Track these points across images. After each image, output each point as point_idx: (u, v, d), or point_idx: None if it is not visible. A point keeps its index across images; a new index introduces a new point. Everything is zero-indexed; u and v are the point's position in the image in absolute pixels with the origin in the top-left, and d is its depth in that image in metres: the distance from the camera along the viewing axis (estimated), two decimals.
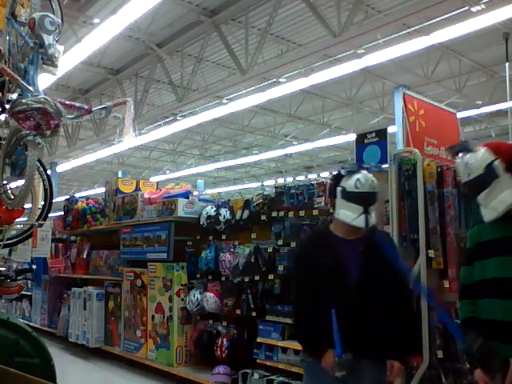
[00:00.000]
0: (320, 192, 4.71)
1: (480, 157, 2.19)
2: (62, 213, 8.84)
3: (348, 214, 2.71)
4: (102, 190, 9.34)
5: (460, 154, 2.32)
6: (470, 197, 3.94)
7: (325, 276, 2.65)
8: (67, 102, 2.69)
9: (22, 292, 4.92)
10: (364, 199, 2.69)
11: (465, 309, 2.43)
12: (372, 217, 2.69)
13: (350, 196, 2.71)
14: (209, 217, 5.89)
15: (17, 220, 3.09)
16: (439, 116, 4.54)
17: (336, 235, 2.77)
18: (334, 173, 2.89)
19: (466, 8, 7.35)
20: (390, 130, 4.21)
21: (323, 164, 20.87)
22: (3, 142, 2.88)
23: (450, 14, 7.80)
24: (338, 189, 2.78)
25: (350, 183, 2.72)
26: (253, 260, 5.19)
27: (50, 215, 3.31)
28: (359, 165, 2.87)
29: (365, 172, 2.75)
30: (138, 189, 7.55)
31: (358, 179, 2.70)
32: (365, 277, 2.63)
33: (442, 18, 7.95)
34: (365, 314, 2.56)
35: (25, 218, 3.24)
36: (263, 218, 5.26)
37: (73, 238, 8.85)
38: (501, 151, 2.19)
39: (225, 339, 5.41)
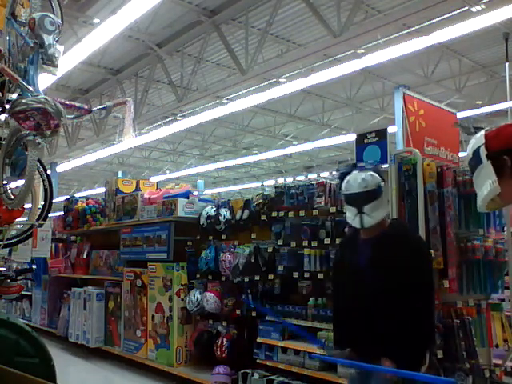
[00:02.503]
0: (320, 192, 4.70)
1: (475, 139, 2.02)
2: (62, 213, 8.84)
3: (348, 215, 2.77)
4: (102, 190, 9.34)
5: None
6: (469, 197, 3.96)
7: (346, 277, 2.73)
8: (67, 102, 2.69)
9: (22, 292, 4.92)
10: (355, 200, 2.69)
11: None
12: (370, 216, 2.66)
13: (344, 198, 2.78)
14: (209, 217, 5.90)
15: (17, 220, 3.09)
16: (439, 116, 4.54)
17: (359, 236, 2.81)
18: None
19: (466, 8, 7.34)
20: (390, 130, 4.21)
21: (323, 164, 20.86)
22: (3, 142, 2.87)
23: (450, 14, 7.79)
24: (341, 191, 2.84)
25: (342, 185, 2.78)
26: (253, 260, 5.19)
27: (50, 215, 3.31)
28: (352, 165, 2.87)
29: (355, 172, 2.75)
30: (138, 189, 7.56)
31: (347, 181, 2.74)
32: (375, 276, 2.62)
33: (442, 18, 7.94)
34: (375, 312, 2.56)
35: (25, 218, 3.24)
36: (263, 218, 5.26)
37: (73, 238, 8.85)
38: (492, 135, 1.99)
39: (225, 339, 5.41)
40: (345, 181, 2.76)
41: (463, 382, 2.24)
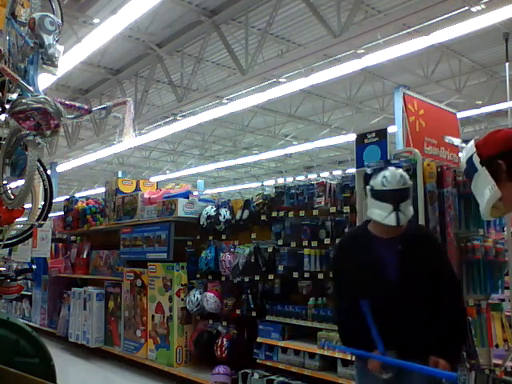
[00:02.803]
0: (320, 192, 4.70)
1: (466, 149, 2.01)
2: (62, 213, 8.84)
3: (378, 212, 2.64)
4: (102, 190, 9.34)
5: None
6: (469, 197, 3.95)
7: (364, 277, 2.61)
8: (67, 102, 2.69)
9: (22, 292, 4.92)
10: (392, 196, 2.60)
11: None
12: (405, 214, 2.60)
13: (378, 194, 2.64)
14: (209, 217, 5.90)
15: (17, 220, 3.09)
16: (439, 116, 4.54)
17: (374, 234, 2.71)
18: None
19: (466, 8, 7.34)
20: (390, 130, 4.21)
21: (323, 164, 20.87)
22: (3, 142, 2.88)
23: (450, 14, 7.80)
24: (367, 188, 2.72)
25: (377, 181, 2.65)
26: (253, 260, 5.19)
27: (50, 215, 3.31)
28: (386, 161, 2.82)
29: (392, 168, 2.68)
30: (138, 189, 7.56)
31: (384, 176, 2.63)
32: (405, 275, 2.56)
33: (442, 18, 7.94)
34: (406, 313, 2.51)
35: (25, 218, 3.24)
36: (263, 218, 5.26)
37: (73, 238, 8.85)
38: (482, 143, 1.97)
39: (225, 339, 5.41)
40: (380, 176, 2.65)
41: (465, 377, 2.23)
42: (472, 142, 2.00)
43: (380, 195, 2.63)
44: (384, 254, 2.62)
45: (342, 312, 2.76)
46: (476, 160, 1.91)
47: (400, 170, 2.70)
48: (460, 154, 2.22)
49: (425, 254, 2.60)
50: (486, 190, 1.86)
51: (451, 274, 2.71)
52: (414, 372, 2.44)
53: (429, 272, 2.57)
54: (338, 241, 4.51)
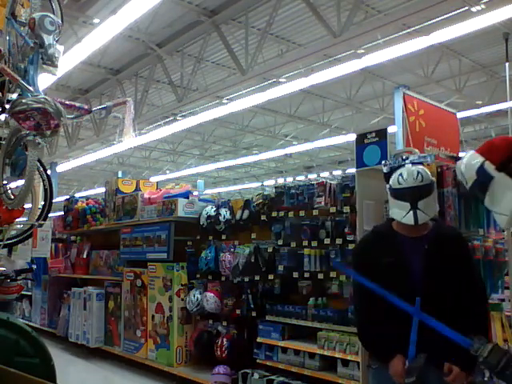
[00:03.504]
0: (320, 192, 4.70)
1: (468, 161, 2.05)
2: (62, 213, 8.84)
3: (397, 211, 2.57)
4: (102, 190, 9.34)
5: (457, 162, 2.26)
6: (469, 197, 3.95)
7: (388, 276, 2.48)
8: (67, 102, 2.69)
9: (22, 292, 4.93)
10: (409, 194, 2.51)
11: None
12: (424, 212, 2.50)
13: (395, 193, 2.59)
14: (209, 217, 5.90)
15: (17, 220, 3.09)
16: (439, 116, 4.54)
17: (399, 233, 2.61)
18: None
19: (466, 8, 7.34)
20: (390, 130, 4.21)
21: (323, 164, 20.87)
22: (3, 142, 2.88)
23: (450, 14, 7.80)
24: (387, 186, 2.67)
25: (394, 179, 2.61)
26: (253, 260, 5.19)
27: (50, 215, 3.31)
28: (403, 158, 2.73)
29: (408, 166, 2.63)
30: (138, 189, 7.56)
31: (400, 174, 2.58)
32: (430, 276, 2.47)
33: (442, 18, 7.94)
34: (431, 314, 2.37)
35: (25, 218, 3.24)
36: (263, 218, 5.26)
37: (73, 237, 8.85)
38: (487, 151, 2.03)
39: (225, 339, 5.41)
40: (396, 174, 2.60)
41: (481, 347, 2.12)
42: (471, 153, 1.99)
43: (397, 194, 2.57)
44: (410, 253, 2.52)
45: (365, 313, 2.61)
46: (490, 167, 1.90)
47: (419, 167, 2.61)
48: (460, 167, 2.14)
49: (451, 255, 2.51)
50: (508, 194, 1.84)
51: (477, 278, 2.64)
52: (436, 379, 2.38)
53: (454, 274, 2.49)
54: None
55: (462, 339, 2.19)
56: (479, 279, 2.69)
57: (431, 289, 2.44)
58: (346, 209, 4.45)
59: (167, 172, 21.15)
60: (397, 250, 2.55)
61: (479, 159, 1.99)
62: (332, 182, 4.72)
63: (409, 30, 8.54)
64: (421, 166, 2.64)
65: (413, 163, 2.69)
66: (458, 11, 7.63)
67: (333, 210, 4.60)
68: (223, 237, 5.86)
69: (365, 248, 2.79)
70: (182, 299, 6.06)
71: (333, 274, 4.57)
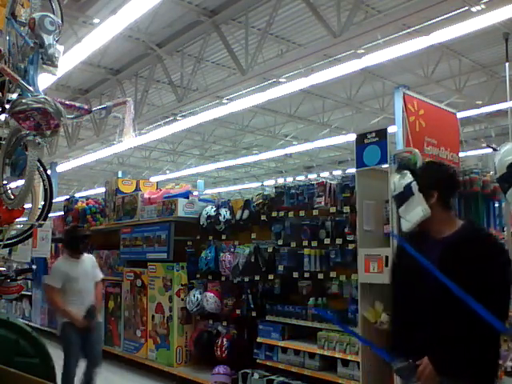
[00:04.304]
0: (320, 192, 4.70)
1: (503, 157, 2.49)
2: (62, 213, 8.84)
3: None
4: (102, 190, 9.34)
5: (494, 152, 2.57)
6: (469, 196, 3.96)
7: (410, 278, 2.45)
8: (67, 102, 2.69)
9: (22, 292, 4.93)
10: (395, 204, 2.74)
11: None
12: (406, 219, 2.51)
13: None
14: (209, 217, 5.89)
15: (17, 220, 3.09)
16: (439, 116, 4.54)
17: (430, 234, 2.50)
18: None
19: (466, 8, 7.33)
20: (390, 130, 4.21)
21: (323, 164, 20.85)
22: (3, 142, 2.88)
23: (450, 14, 7.79)
24: None
25: None
26: (253, 260, 5.19)
27: (49, 215, 3.31)
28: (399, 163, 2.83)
29: (395, 172, 2.73)
30: (138, 189, 7.56)
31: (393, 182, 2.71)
32: (435, 281, 2.26)
33: (442, 17, 7.94)
34: (435, 322, 2.31)
35: (25, 218, 3.24)
36: (263, 218, 5.26)
37: None
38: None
39: (225, 339, 5.41)
40: None
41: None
42: (510, 147, 2.48)
43: None
44: (428, 255, 2.33)
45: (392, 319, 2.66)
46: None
47: (395, 176, 2.65)
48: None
49: (465, 260, 2.28)
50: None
51: (487, 284, 2.25)
52: None
53: (464, 277, 2.21)
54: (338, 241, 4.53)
55: (498, 324, 2.08)
56: (492, 288, 2.23)
57: (436, 299, 2.32)
58: (346, 209, 4.45)
59: (167, 172, 21.15)
60: (423, 251, 2.38)
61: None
62: (332, 182, 4.72)
63: (409, 30, 8.53)
64: (398, 174, 2.62)
65: (397, 171, 2.74)
66: (458, 11, 7.62)
67: (333, 210, 4.60)
68: (223, 237, 5.86)
69: (399, 250, 2.76)
70: (182, 299, 6.06)
71: (333, 274, 4.57)
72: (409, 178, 2.50)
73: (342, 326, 3.46)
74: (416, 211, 2.42)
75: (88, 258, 4.89)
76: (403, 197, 2.49)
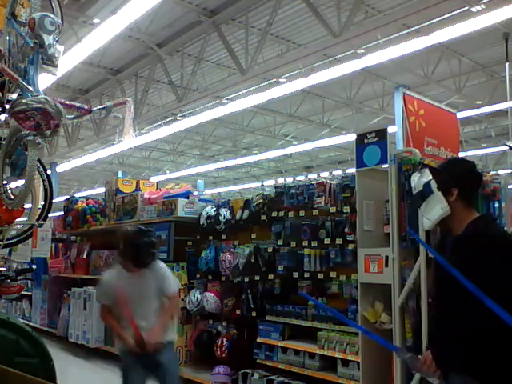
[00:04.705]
0: (320, 192, 4.70)
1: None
2: (62, 213, 8.84)
3: None
4: (102, 190, 9.34)
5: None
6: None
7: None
8: (67, 102, 2.69)
9: (22, 292, 4.93)
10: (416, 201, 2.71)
11: None
12: (427, 218, 2.49)
13: None
14: (209, 217, 5.89)
15: (17, 220, 3.09)
16: (439, 116, 4.54)
17: (451, 232, 2.48)
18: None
19: (466, 8, 7.34)
20: (390, 130, 4.21)
21: (323, 164, 20.87)
22: (3, 142, 2.88)
23: (450, 14, 7.80)
24: None
25: None
26: (253, 260, 5.19)
27: (50, 215, 3.31)
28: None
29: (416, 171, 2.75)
30: (138, 189, 7.55)
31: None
32: (436, 283, 2.46)
33: (442, 17, 7.95)
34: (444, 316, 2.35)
35: (25, 218, 3.24)
36: (263, 218, 5.26)
37: (73, 238, 8.85)
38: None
39: (225, 339, 5.40)
40: None
41: None
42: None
43: None
44: (445, 253, 2.38)
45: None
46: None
47: (415, 176, 2.68)
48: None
49: (461, 257, 2.25)
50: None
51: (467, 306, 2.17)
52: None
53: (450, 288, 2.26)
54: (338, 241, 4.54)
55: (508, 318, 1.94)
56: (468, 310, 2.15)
57: (442, 291, 2.39)
58: (346, 209, 4.45)
59: (167, 172, 21.16)
60: (438, 249, 2.53)
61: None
62: (332, 182, 4.72)
63: (409, 30, 8.55)
64: (417, 173, 2.65)
65: (419, 171, 2.72)
66: (458, 11, 7.63)
67: (333, 209, 4.60)
68: (223, 237, 5.85)
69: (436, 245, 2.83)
70: (182, 299, 6.05)
71: (333, 274, 4.57)
72: (428, 175, 2.48)
73: (347, 320, 3.44)
74: (436, 209, 2.40)
75: (154, 271, 3.73)
76: (423, 195, 2.48)
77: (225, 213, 5.73)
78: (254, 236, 5.44)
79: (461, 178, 2.40)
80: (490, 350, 2.18)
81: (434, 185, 2.43)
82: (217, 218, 5.77)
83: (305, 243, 4.75)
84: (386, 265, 3.81)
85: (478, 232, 2.32)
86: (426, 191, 2.45)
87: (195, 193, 6.77)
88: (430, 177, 2.46)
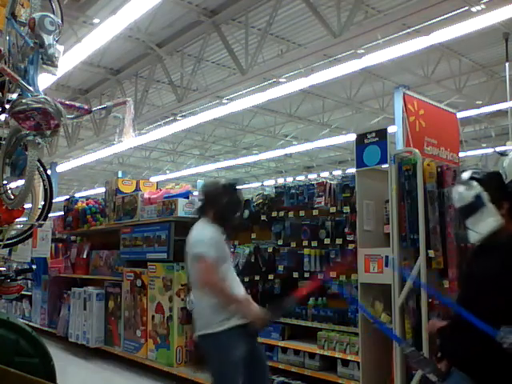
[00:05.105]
0: (320, 192, 4.70)
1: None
2: (62, 213, 8.83)
3: None
4: (102, 190, 9.34)
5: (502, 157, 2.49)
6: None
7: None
8: (67, 102, 2.69)
9: (22, 292, 4.92)
10: (459, 216, 2.74)
11: None
12: (475, 230, 2.43)
13: None
14: None
15: (17, 220, 3.09)
16: (439, 116, 4.54)
17: None
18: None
19: (466, 8, 7.34)
20: (390, 130, 4.21)
21: (323, 164, 20.87)
22: (3, 142, 2.88)
23: (450, 14, 7.80)
24: None
25: None
26: (253, 260, 5.19)
27: (50, 215, 3.31)
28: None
29: (456, 185, 2.64)
30: (138, 189, 7.54)
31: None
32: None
33: (442, 17, 7.95)
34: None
35: (25, 218, 3.24)
36: (263, 218, 5.26)
37: (73, 238, 8.85)
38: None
39: None
40: None
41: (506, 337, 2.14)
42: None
43: None
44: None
45: None
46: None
47: (460, 187, 2.52)
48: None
49: (474, 268, 2.47)
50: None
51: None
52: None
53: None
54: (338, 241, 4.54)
55: (489, 330, 2.15)
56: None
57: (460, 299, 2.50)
58: (346, 209, 4.45)
59: (167, 172, 21.17)
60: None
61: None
62: (332, 182, 4.72)
63: (409, 30, 8.55)
64: (464, 183, 2.50)
65: (461, 181, 2.60)
66: (458, 11, 7.63)
67: (333, 209, 4.60)
68: None
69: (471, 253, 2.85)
70: (182, 299, 6.05)
71: (333, 274, 4.57)
72: (477, 188, 2.41)
73: (360, 307, 3.47)
74: (487, 222, 2.37)
75: None
76: (472, 208, 2.42)
77: None
78: (254, 236, 5.44)
79: (508, 192, 2.39)
80: (491, 352, 2.19)
81: (486, 197, 2.38)
82: None
83: (305, 243, 4.75)
84: (386, 265, 3.82)
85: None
86: (477, 204, 2.39)
87: (195, 193, 6.76)
88: (481, 189, 2.40)
